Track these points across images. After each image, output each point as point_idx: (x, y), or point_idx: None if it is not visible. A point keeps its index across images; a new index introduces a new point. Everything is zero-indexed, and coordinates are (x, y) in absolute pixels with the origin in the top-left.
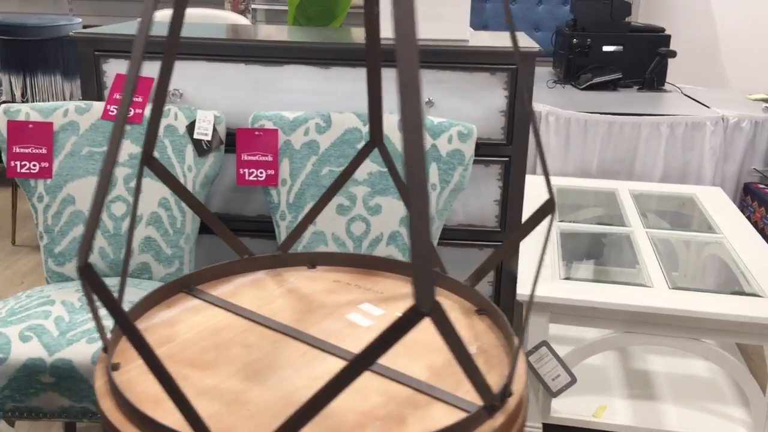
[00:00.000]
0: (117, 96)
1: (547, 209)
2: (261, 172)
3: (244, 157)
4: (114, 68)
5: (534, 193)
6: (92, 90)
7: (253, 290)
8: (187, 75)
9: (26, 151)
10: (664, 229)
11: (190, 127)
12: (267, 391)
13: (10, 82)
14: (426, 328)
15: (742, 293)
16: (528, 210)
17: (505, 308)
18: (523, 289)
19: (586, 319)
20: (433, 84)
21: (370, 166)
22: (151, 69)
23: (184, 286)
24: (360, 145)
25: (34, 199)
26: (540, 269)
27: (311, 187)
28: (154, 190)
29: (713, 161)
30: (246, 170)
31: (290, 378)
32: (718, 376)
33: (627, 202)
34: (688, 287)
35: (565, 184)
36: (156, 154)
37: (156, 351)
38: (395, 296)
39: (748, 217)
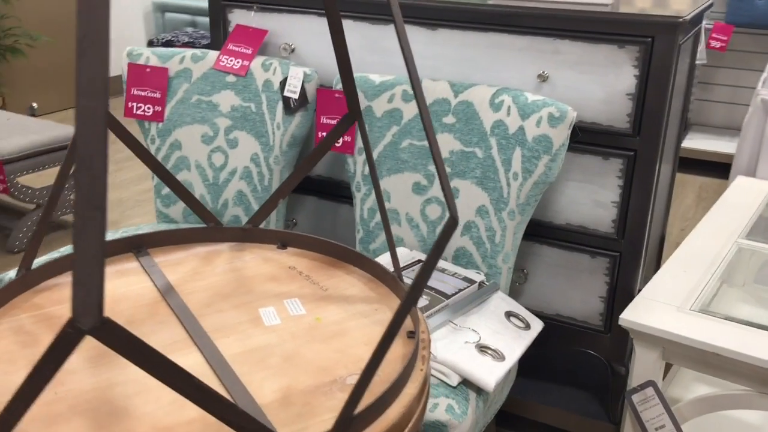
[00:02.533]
0: (232, 47)
1: (449, 229)
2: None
3: (323, 119)
4: (237, 18)
5: (737, 201)
6: (218, 39)
7: (198, 263)
8: (298, 29)
9: (143, 93)
10: None
11: (282, 84)
12: (90, 377)
13: None
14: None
15: None
16: (713, 218)
17: (621, 331)
18: (630, 314)
19: (710, 367)
20: (548, 55)
21: (452, 143)
22: (264, 21)
23: (135, 246)
24: (447, 119)
25: (148, 140)
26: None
27: (388, 160)
28: (247, 144)
29: None
30: (323, 133)
31: (129, 367)
32: None
33: None
34: None
35: None
36: (252, 107)
37: (50, 307)
38: (335, 296)
39: None
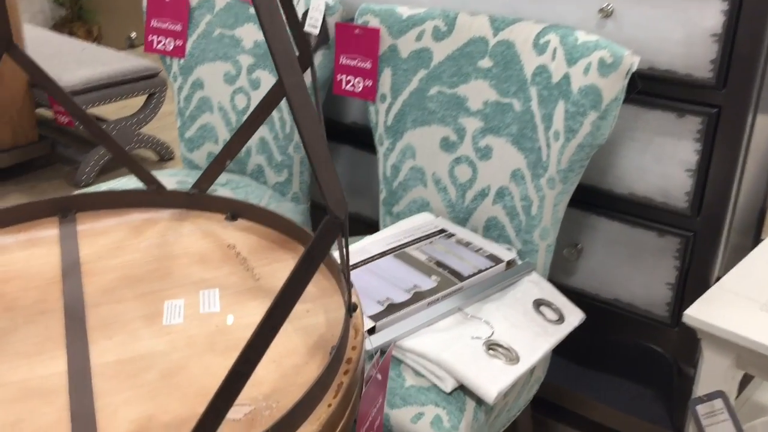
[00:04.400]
0: None
1: (326, 232)
2: (358, 81)
3: (342, 60)
4: None
5: None
6: None
7: (126, 233)
8: None
9: (163, 26)
10: None
11: (303, 17)
12: None
13: None
14: None
15: None
16: None
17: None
18: (698, 309)
19: None
20: None
21: (487, 92)
22: None
23: (62, 208)
24: (483, 62)
25: (170, 77)
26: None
27: (413, 110)
28: (269, 85)
29: None
30: (343, 77)
31: None
32: None
33: None
34: None
35: None
36: None
37: None
38: (265, 288)
39: None
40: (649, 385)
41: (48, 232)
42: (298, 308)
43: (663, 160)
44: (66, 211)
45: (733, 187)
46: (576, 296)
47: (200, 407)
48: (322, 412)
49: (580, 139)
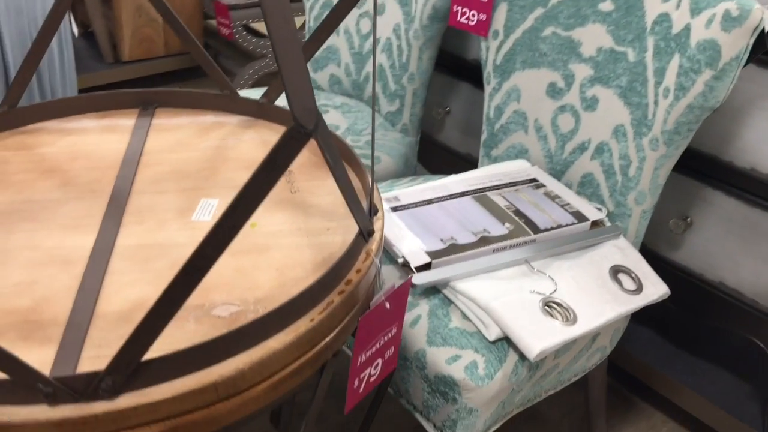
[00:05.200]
0: None
1: (293, 137)
2: (473, 14)
3: None
4: None
5: None
6: None
7: (193, 132)
8: None
9: None
10: None
11: None
12: None
13: None
14: None
15: None
16: None
17: None
18: None
19: None
20: None
21: (603, 38)
22: None
23: (144, 102)
24: (604, 5)
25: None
26: None
27: (524, 51)
28: (392, 11)
29: None
30: (459, 8)
31: None
32: None
33: None
34: None
35: None
36: None
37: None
38: (297, 202)
39: None
40: (745, 381)
41: (126, 122)
42: (319, 225)
43: None
44: (147, 104)
45: None
46: (678, 273)
47: (194, 299)
48: (301, 325)
49: (691, 99)
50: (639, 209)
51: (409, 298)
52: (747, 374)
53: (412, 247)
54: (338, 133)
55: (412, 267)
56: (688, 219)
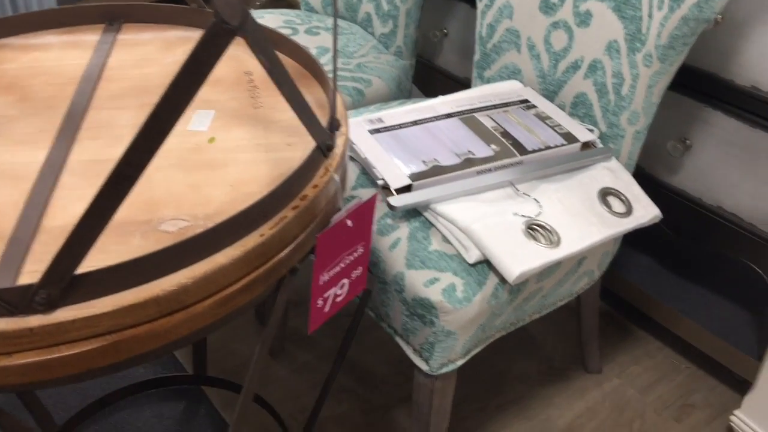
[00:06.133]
0: None
1: (216, 33)
2: None
3: None
4: None
5: None
6: None
7: (158, 47)
8: None
9: None
10: None
11: None
12: None
13: None
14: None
15: None
16: None
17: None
18: None
19: None
20: None
21: None
22: None
23: (110, 17)
24: None
25: None
26: None
27: None
28: None
29: None
30: None
31: None
32: None
33: None
34: None
35: None
36: None
37: None
38: (260, 117)
39: None
40: (743, 308)
41: (90, 37)
42: (280, 140)
43: None
44: (113, 19)
45: None
46: (676, 198)
47: (139, 216)
48: (250, 240)
49: (685, 10)
50: (632, 129)
51: (389, 221)
52: (745, 302)
53: (392, 168)
54: (329, 55)
55: (392, 189)
56: (687, 141)
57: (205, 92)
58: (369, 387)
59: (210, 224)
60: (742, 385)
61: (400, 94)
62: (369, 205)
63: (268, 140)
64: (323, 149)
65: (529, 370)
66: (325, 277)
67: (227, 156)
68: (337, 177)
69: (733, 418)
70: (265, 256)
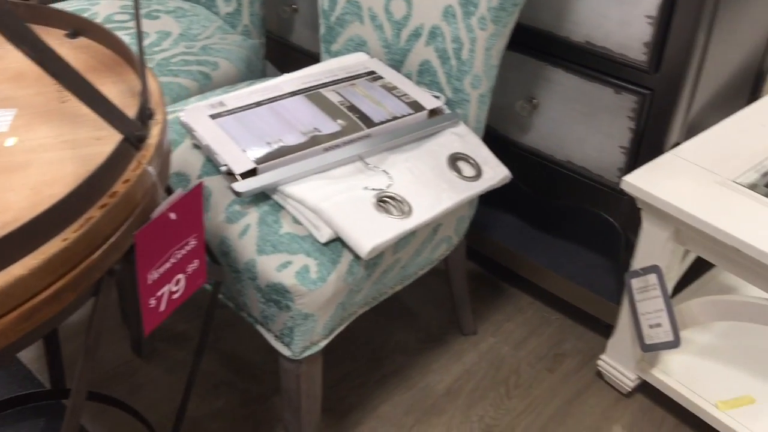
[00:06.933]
0: None
1: None
2: None
3: None
4: None
5: None
6: None
7: None
8: None
9: None
10: None
11: None
12: None
13: None
14: None
15: None
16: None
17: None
18: (639, 177)
19: (735, 265)
20: None
21: None
22: None
23: None
24: None
25: None
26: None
27: None
28: None
29: None
30: None
31: None
32: None
33: None
34: None
35: None
36: None
37: None
38: (67, 113)
39: None
40: (603, 257)
41: None
42: (88, 135)
43: (599, 135)
44: None
45: (697, 38)
46: (530, 156)
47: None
48: (52, 247)
49: None
50: (476, 93)
51: (237, 207)
52: (603, 250)
53: (235, 153)
54: (171, 39)
55: (236, 175)
56: (534, 101)
57: (6, 89)
58: (246, 377)
59: (3, 233)
60: (608, 330)
61: (251, 74)
62: (194, 195)
63: (76, 136)
64: (132, 141)
65: (408, 340)
66: (153, 275)
67: (29, 157)
68: (152, 169)
69: (599, 362)
70: (72, 262)
